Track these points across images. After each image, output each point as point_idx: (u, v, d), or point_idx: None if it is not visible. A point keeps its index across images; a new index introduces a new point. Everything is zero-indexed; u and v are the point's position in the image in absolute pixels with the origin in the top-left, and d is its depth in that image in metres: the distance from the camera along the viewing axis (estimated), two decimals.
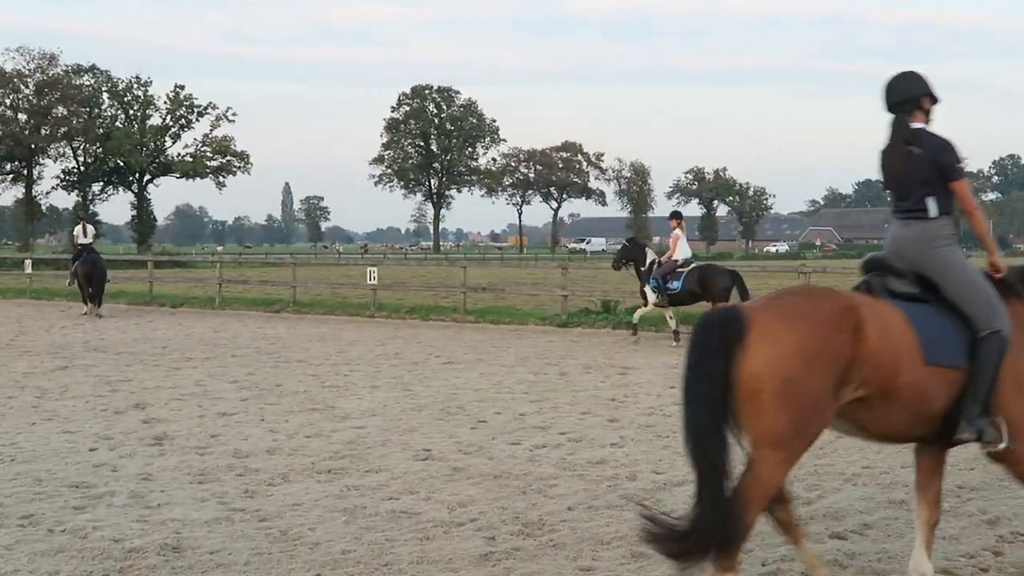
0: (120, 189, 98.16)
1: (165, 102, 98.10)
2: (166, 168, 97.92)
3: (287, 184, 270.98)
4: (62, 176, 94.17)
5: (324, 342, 21.04)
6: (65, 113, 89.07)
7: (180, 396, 13.59)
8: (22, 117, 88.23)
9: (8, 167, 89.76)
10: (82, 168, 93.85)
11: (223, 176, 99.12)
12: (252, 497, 8.29)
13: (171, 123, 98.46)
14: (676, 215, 22.31)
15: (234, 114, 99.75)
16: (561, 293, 26.17)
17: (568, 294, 26.09)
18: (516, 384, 14.96)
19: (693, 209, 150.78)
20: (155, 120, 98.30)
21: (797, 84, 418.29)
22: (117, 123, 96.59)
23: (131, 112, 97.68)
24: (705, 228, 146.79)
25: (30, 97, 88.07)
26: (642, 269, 21.68)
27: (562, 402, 13.32)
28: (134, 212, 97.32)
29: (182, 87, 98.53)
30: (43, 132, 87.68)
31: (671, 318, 21.48)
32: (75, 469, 9.23)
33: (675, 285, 20.91)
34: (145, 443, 10.42)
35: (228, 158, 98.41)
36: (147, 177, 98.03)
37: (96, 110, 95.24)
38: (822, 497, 8.45)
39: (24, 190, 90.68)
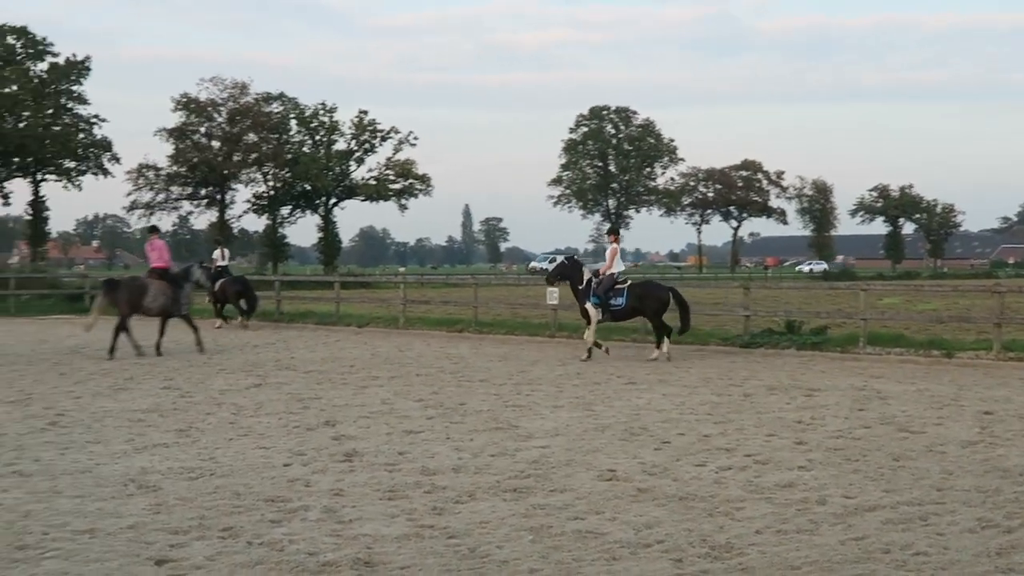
0: (307, 212, 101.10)
1: (350, 127, 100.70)
2: (351, 191, 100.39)
3: (467, 206, 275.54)
4: (253, 200, 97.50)
5: (506, 362, 21.22)
6: (256, 140, 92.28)
7: (368, 414, 13.89)
8: (216, 144, 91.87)
9: (203, 192, 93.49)
10: (271, 192, 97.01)
11: (405, 198, 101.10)
12: (440, 514, 8.41)
13: (355, 147, 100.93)
14: (614, 230, 23.41)
15: (415, 138, 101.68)
16: (743, 313, 25.82)
17: (750, 314, 25.72)
18: (699, 405, 14.82)
19: (878, 227, 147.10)
20: (340, 145, 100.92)
21: (986, 98, 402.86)
22: (304, 148, 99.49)
23: (318, 138, 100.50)
24: (891, 246, 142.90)
25: (223, 125, 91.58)
26: (579, 287, 22.07)
27: (747, 424, 13.13)
28: (321, 234, 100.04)
29: (365, 112, 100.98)
30: (235, 158, 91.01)
31: (591, 332, 21.95)
32: (271, 484, 9.53)
33: (619, 301, 21.71)
34: (336, 459, 10.69)
35: (410, 181, 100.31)
36: (333, 200, 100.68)
37: (285, 136, 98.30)
38: None
39: (218, 214, 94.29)
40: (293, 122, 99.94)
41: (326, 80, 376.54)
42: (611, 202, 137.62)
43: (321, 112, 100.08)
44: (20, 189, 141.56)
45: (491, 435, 12.22)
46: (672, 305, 22.28)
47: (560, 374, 18.91)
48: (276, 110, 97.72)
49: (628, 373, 19.02)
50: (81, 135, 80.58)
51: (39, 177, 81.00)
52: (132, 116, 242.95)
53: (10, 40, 78.61)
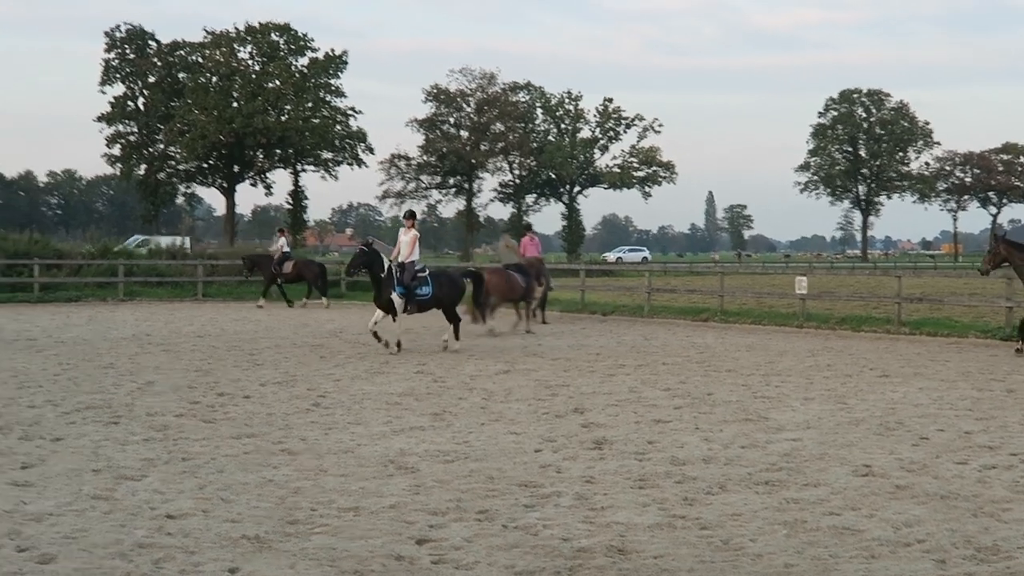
0: (551, 200, 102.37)
1: (594, 115, 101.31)
2: (595, 179, 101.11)
3: (710, 193, 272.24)
4: (499, 189, 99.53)
5: (753, 352, 20.95)
6: (502, 129, 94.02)
7: (616, 402, 13.97)
8: (464, 134, 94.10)
9: (451, 181, 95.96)
10: (517, 181, 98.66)
11: (649, 186, 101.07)
12: (692, 504, 8.40)
13: (600, 135, 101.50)
14: (411, 215, 21.63)
15: (660, 125, 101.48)
16: (1005, 304, 24.65)
17: (1013, 305, 24.50)
18: (958, 400, 14.26)
19: None
20: (585, 133, 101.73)
21: None
22: (549, 137, 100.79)
23: (563, 126, 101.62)
24: None
25: (471, 115, 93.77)
26: (381, 275, 20.49)
27: (1011, 420, 12.55)
28: (564, 222, 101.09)
29: (610, 100, 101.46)
30: (482, 148, 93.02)
31: (399, 324, 20.77)
32: (523, 469, 9.73)
33: (425, 291, 20.62)
34: (586, 447, 10.81)
35: (654, 168, 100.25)
36: (577, 188, 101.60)
37: (530, 125, 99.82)
38: None
39: (465, 202, 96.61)
40: (539, 111, 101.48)
41: (571, 67, 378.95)
42: (860, 188, 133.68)
43: (566, 100, 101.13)
44: (281, 179, 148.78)
45: (740, 426, 12.11)
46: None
47: (810, 365, 18.53)
48: (522, 99, 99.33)
49: (881, 365, 18.48)
50: (338, 127, 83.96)
51: (299, 168, 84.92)
52: (384, 107, 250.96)
53: (274, 37, 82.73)
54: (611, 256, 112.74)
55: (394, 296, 20.25)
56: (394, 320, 20.51)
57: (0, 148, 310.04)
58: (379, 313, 20.59)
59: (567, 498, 8.60)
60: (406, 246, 20.64)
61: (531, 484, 9.09)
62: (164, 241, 58.35)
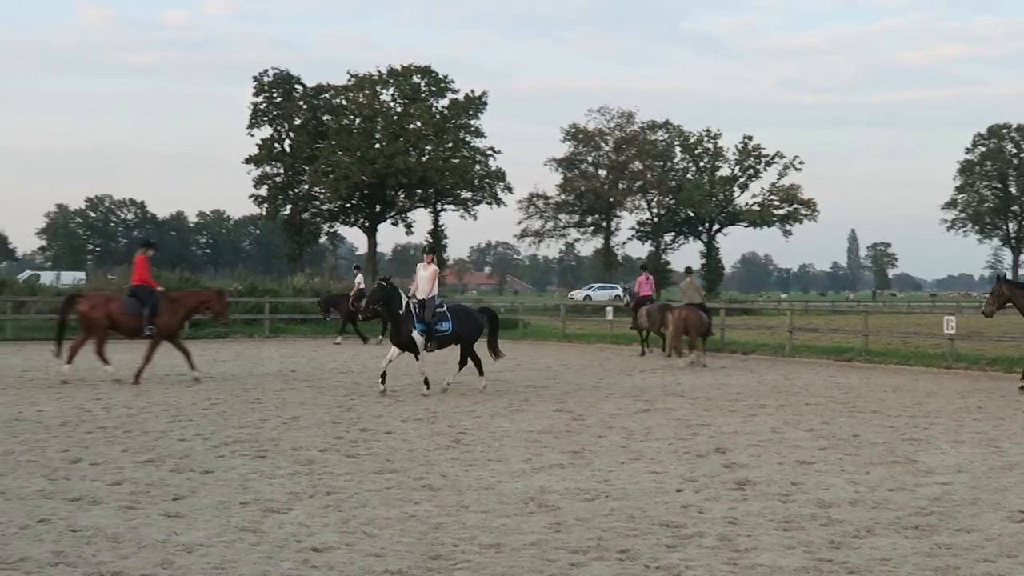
0: (690, 238, 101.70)
1: (734, 153, 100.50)
2: (734, 217, 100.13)
3: (852, 231, 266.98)
4: (637, 227, 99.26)
5: (899, 393, 20.44)
6: (640, 167, 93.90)
7: (758, 442, 13.77)
8: (602, 173, 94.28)
9: (589, 220, 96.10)
10: (655, 219, 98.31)
11: (789, 224, 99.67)
12: (838, 548, 8.21)
13: (739, 173, 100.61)
14: (430, 249, 21.01)
15: (801, 162, 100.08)
16: None
17: None
18: None
19: None
20: (724, 171, 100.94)
21: None
22: (688, 175, 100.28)
23: (701, 164, 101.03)
24: None
25: (609, 154, 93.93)
26: (400, 312, 19.63)
27: None
28: (703, 260, 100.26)
29: (750, 137, 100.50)
30: (620, 186, 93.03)
31: (423, 361, 20.01)
32: (664, 508, 9.64)
33: (445, 327, 19.81)
34: (728, 487, 10.67)
35: (795, 206, 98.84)
36: (716, 227, 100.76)
37: (669, 163, 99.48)
38: None
39: (603, 241, 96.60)
40: (677, 149, 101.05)
41: (710, 105, 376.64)
42: (1011, 225, 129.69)
43: (705, 138, 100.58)
44: (421, 219, 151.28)
45: (888, 469, 11.80)
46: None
47: (959, 407, 18.00)
48: (661, 138, 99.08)
49: None
50: (477, 167, 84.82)
51: (439, 207, 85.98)
52: (523, 146, 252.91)
53: (415, 79, 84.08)
54: (578, 294, 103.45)
55: (415, 334, 19.67)
56: (417, 359, 20.02)
57: (154, 189, 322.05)
58: (394, 351, 20.01)
59: (710, 539, 8.49)
60: (425, 282, 20.11)
61: (673, 524, 9.00)
62: (65, 276, 59.00)
